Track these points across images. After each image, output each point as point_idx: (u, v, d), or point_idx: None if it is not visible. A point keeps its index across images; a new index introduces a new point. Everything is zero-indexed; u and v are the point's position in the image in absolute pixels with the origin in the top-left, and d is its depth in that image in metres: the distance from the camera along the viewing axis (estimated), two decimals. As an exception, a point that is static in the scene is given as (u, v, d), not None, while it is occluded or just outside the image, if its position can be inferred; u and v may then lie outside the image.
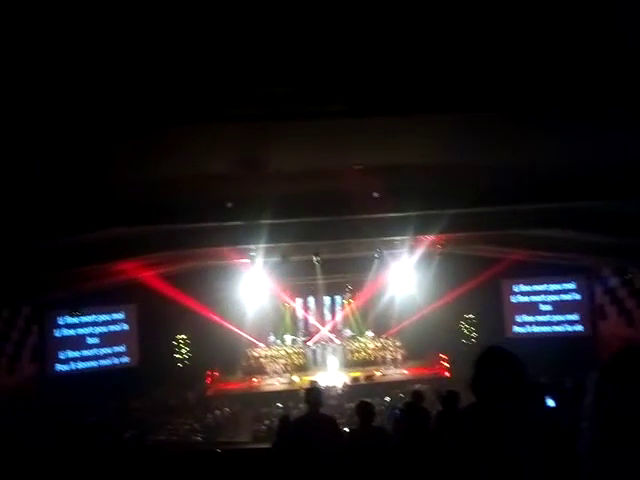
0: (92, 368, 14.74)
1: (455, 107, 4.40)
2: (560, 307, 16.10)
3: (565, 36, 3.50)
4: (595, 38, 3.45)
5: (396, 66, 3.90)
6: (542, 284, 16.37)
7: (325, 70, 3.81)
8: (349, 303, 18.24)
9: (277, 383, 15.75)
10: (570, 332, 15.73)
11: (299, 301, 18.18)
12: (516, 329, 16.43)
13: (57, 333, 14.45)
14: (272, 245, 10.78)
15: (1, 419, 9.65)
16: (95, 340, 15.10)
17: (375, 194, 7.42)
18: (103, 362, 15.09)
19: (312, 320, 18.14)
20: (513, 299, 16.70)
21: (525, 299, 16.59)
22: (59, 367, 14.36)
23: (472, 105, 4.38)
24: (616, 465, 0.92)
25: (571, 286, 16.07)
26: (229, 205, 7.36)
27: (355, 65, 3.83)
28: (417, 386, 13.08)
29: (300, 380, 15.26)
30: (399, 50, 3.70)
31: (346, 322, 18.21)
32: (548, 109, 4.57)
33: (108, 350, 15.26)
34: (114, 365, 15.15)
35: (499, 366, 1.96)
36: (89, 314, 14.76)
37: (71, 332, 14.65)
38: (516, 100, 4.34)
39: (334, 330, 17.96)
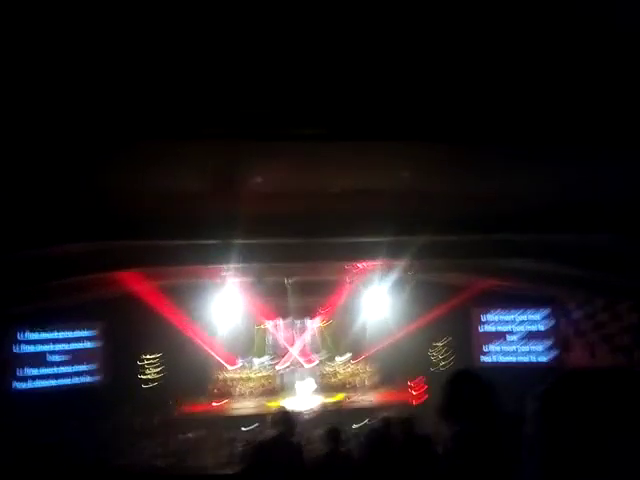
0: (52, 387, 14.19)
1: (430, 137, 4.49)
2: (526, 337, 16.32)
3: (543, 72, 3.63)
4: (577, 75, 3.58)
5: (376, 92, 3.97)
6: (509, 314, 16.61)
7: (303, 93, 3.86)
8: (320, 327, 18.14)
9: (245, 407, 15.45)
10: (535, 362, 15.93)
11: (270, 324, 18.00)
12: (484, 358, 16.56)
13: (16, 349, 13.90)
14: (244, 265, 10.71)
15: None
16: (57, 358, 14.54)
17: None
18: (64, 381, 14.51)
19: (282, 343, 17.94)
20: (482, 328, 16.86)
21: (492, 328, 16.77)
22: (17, 385, 13.80)
23: (445, 136, 4.49)
24: None
25: (537, 317, 16.35)
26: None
27: (336, 89, 3.89)
28: (384, 413, 13.01)
29: (268, 404, 15.01)
30: (378, 77, 3.78)
31: (316, 346, 18.07)
32: (522, 144, 4.71)
33: (70, 369, 14.70)
34: (76, 384, 14.63)
35: (468, 387, 1.97)
36: (52, 330, 14.29)
37: (31, 348, 14.11)
38: (492, 134, 4.45)
39: (304, 354, 17.79)
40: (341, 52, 3.47)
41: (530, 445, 0.94)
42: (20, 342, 13.97)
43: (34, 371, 14.09)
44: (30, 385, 13.95)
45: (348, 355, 17.37)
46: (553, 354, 15.85)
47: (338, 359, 17.34)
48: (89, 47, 3.20)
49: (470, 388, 1.99)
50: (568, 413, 0.91)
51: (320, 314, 17.94)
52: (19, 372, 13.88)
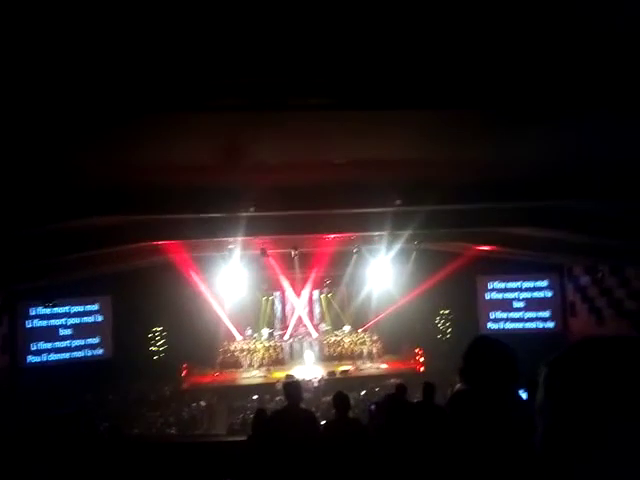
0: (65, 360, 14.49)
1: (437, 103, 4.44)
2: (532, 304, 16.42)
3: (549, 34, 3.56)
4: (578, 36, 3.52)
5: (381, 60, 3.92)
6: (516, 281, 16.68)
7: (310, 62, 3.81)
8: (327, 297, 18.31)
9: (253, 377, 15.73)
10: (541, 329, 16.07)
11: (277, 295, 18.16)
12: (490, 325, 16.71)
13: (28, 324, 14.15)
14: (250, 238, 10.75)
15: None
16: (68, 331, 14.82)
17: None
18: (76, 354, 14.82)
19: (289, 314, 18.15)
20: (487, 296, 16.98)
21: (499, 296, 16.88)
22: (30, 358, 14.09)
23: (454, 101, 4.44)
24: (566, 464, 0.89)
25: (543, 284, 16.41)
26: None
27: (340, 58, 3.84)
28: (392, 380, 13.22)
29: (276, 373, 15.27)
30: (382, 44, 3.72)
31: (323, 316, 18.27)
32: (526, 108, 4.65)
33: (81, 342, 15.00)
34: (87, 357, 14.92)
35: (493, 352, 2.00)
36: (62, 305, 14.49)
37: (43, 323, 14.36)
38: (496, 98, 4.40)
39: (310, 324, 18.00)
40: (347, 21, 3.42)
41: (539, 412, 0.94)
42: (32, 317, 14.22)
43: (47, 345, 14.38)
44: (43, 359, 14.24)
45: (354, 324, 17.56)
46: (559, 320, 15.97)
47: (344, 328, 17.54)
48: (95, 24, 3.16)
49: (492, 351, 2.02)
50: (577, 381, 0.90)
51: (326, 284, 18.08)
52: (32, 346, 14.17)
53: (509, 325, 16.57)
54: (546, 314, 16.26)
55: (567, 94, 4.23)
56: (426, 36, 3.62)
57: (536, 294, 16.45)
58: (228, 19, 3.29)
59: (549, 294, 16.28)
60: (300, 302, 17.94)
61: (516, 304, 16.63)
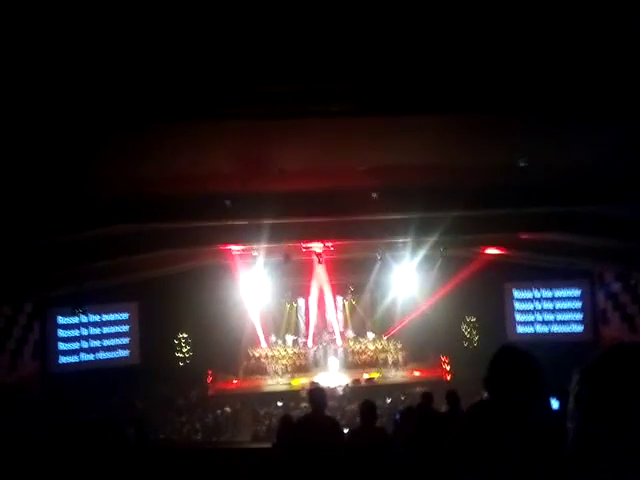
0: (93, 365, 14.75)
1: (461, 107, 4.39)
2: (562, 311, 16.06)
3: (576, 38, 3.49)
4: (615, 38, 3.43)
5: (401, 66, 3.89)
6: (544, 288, 16.33)
7: (331, 69, 3.80)
8: (351, 304, 18.22)
9: (278, 383, 15.73)
10: (570, 335, 15.65)
11: (301, 302, 18.16)
12: (518, 332, 16.39)
13: (58, 330, 14.49)
14: (273, 245, 10.78)
15: (2, 416, 9.65)
16: (96, 338, 15.15)
17: (374, 194, 7.42)
18: (104, 360, 15.11)
19: (313, 321, 18.12)
20: (515, 303, 16.67)
21: (527, 303, 16.56)
22: (60, 364, 14.40)
23: (478, 106, 4.37)
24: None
25: (573, 291, 16.04)
26: (228, 203, 7.35)
27: (361, 64, 3.82)
28: (418, 389, 13.06)
29: (300, 380, 15.24)
30: (402, 51, 3.69)
31: (347, 323, 18.18)
32: (554, 112, 4.55)
33: (109, 348, 15.31)
34: (114, 363, 15.16)
35: (518, 363, 1.94)
36: (91, 312, 14.77)
37: (73, 329, 14.68)
38: (522, 103, 4.32)
39: (335, 331, 17.93)
40: (368, 28, 3.40)
41: (571, 418, 0.94)
42: (62, 324, 14.52)
43: (74, 353, 14.68)
44: (72, 364, 14.52)
45: (378, 331, 17.42)
46: (590, 328, 15.56)
47: (368, 335, 17.42)
48: (113, 32, 3.21)
49: (517, 362, 1.96)
50: (606, 388, 0.90)
51: (350, 291, 18.00)
52: (62, 352, 14.45)
53: (539, 330, 16.21)
54: (576, 320, 15.88)
55: (601, 96, 4.13)
56: (448, 39, 3.58)
57: (566, 301, 16.08)
58: (249, 26, 3.30)
59: (579, 301, 15.90)
60: (324, 309, 17.90)
61: (545, 311, 16.28)
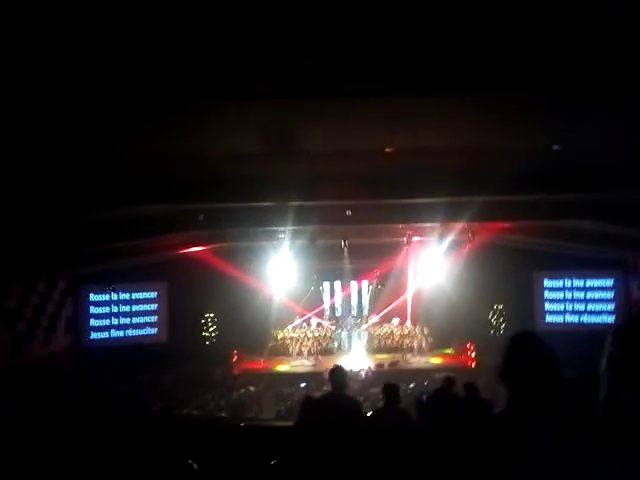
0: (122, 341, 15.16)
1: (492, 88, 4.28)
2: (593, 301, 15.71)
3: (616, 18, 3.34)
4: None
5: (433, 44, 3.80)
6: (575, 278, 15.98)
7: (362, 47, 3.74)
8: (376, 288, 18.18)
9: (302, 365, 15.88)
10: (601, 325, 15.30)
11: (326, 285, 18.21)
12: (547, 321, 16.12)
13: (90, 307, 14.93)
14: (300, 227, 10.79)
15: (36, 388, 10.02)
16: (126, 315, 15.54)
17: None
18: (133, 336, 15.53)
19: (338, 304, 18.16)
20: (544, 291, 16.36)
21: (557, 292, 16.24)
22: (93, 335, 14.86)
23: (509, 87, 4.26)
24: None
25: (606, 280, 15.64)
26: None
27: (391, 43, 3.75)
28: (440, 375, 12.99)
29: (324, 363, 15.33)
30: (435, 28, 3.60)
31: (372, 307, 18.16)
32: (587, 93, 4.40)
33: (139, 325, 15.71)
34: (143, 339, 15.55)
35: (530, 350, 1.89)
36: (121, 290, 15.14)
37: (104, 307, 15.10)
38: (555, 83, 4.19)
39: (360, 315, 17.95)
40: (399, 4, 3.33)
41: (602, 378, 0.97)
42: (94, 301, 14.93)
43: (105, 329, 15.13)
44: (102, 342, 14.96)
45: (402, 317, 17.35)
46: (621, 318, 15.18)
47: (393, 321, 17.37)
48: (147, 9, 3.21)
49: (530, 351, 1.90)
50: (634, 348, 0.92)
51: (376, 276, 17.95)
52: (92, 330, 14.91)
53: (568, 319, 15.91)
54: (608, 311, 15.52)
55: (635, 76, 3.97)
56: (479, 18, 3.48)
57: (597, 290, 15.71)
58: (283, 5, 3.27)
59: (611, 291, 15.50)
60: (349, 293, 17.90)
61: (575, 301, 15.95)
